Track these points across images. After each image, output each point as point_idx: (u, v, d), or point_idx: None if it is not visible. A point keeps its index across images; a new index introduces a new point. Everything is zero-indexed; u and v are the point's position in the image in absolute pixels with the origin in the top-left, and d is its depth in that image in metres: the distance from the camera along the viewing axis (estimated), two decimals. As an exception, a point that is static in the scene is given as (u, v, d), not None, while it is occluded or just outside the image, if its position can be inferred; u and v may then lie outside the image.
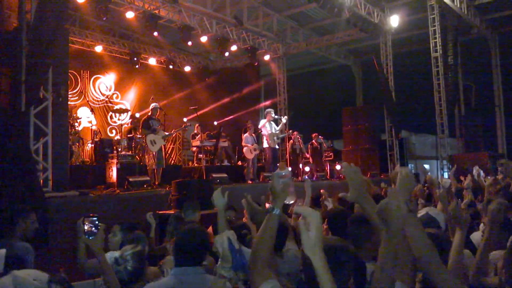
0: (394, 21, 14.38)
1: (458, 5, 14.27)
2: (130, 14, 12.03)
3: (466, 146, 17.01)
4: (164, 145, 10.43)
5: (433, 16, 14.68)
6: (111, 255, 2.69)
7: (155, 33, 12.45)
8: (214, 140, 12.56)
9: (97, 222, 2.66)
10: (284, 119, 11.93)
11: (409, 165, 16.58)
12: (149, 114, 10.01)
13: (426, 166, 16.99)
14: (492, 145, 17.35)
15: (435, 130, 15.01)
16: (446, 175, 13.80)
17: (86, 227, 2.63)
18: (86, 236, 2.62)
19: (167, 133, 10.17)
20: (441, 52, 14.81)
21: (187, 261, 2.65)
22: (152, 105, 10.16)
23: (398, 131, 15.00)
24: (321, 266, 1.52)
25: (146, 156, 9.96)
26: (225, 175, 10.26)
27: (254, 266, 1.87)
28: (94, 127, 12.49)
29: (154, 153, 9.52)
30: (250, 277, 1.92)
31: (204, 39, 14.05)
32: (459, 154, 16.07)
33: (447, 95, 14.79)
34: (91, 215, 2.70)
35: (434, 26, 14.73)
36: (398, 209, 1.69)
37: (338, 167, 13.58)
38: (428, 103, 15.28)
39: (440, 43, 14.77)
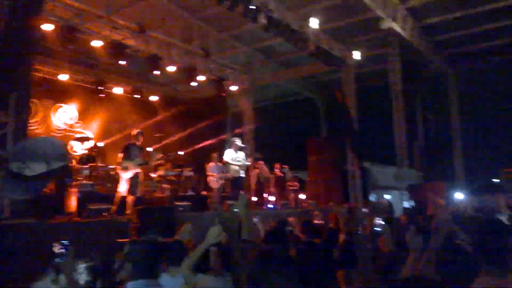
0: (356, 55, 14.93)
1: (418, 41, 14.98)
2: (97, 43, 12.05)
3: (425, 176, 17.52)
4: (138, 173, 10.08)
5: (393, 51, 15.34)
6: None
7: (123, 62, 12.48)
8: (178, 169, 12.51)
9: (67, 246, 2.72)
10: (247, 161, 12.04)
11: (371, 195, 16.87)
12: (132, 141, 9.81)
13: (388, 197, 17.35)
14: (451, 175, 17.93)
15: (396, 161, 15.43)
16: (406, 204, 14.14)
17: (56, 250, 2.69)
18: (58, 259, 2.68)
19: (142, 162, 9.95)
20: (401, 86, 15.41)
21: (140, 274, 2.64)
22: (135, 131, 10.00)
23: (360, 162, 15.32)
24: None
25: (118, 183, 9.67)
26: (189, 203, 10.20)
27: None
28: (55, 156, 12.22)
29: (126, 180, 9.32)
30: None
31: (171, 69, 14.18)
32: (418, 184, 16.52)
33: (406, 127, 15.32)
34: (63, 238, 2.79)
35: (395, 61, 15.37)
36: None
37: (302, 196, 13.74)
38: (389, 134, 15.76)
39: (400, 78, 15.39)
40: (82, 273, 2.74)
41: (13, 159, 2.81)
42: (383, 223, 4.63)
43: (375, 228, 4.24)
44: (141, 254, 2.69)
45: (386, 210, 6.26)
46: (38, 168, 2.70)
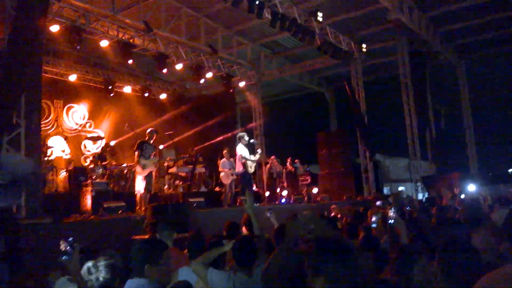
0: (363, 48, 14.82)
1: (425, 32, 14.85)
2: (104, 43, 12.10)
3: (438, 167, 17.37)
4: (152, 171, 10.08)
5: (401, 43, 15.20)
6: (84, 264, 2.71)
7: (130, 61, 12.51)
8: (191, 166, 12.52)
9: (72, 243, 2.68)
10: (258, 155, 11.93)
11: (384, 188, 16.81)
12: (146, 138, 9.76)
13: (401, 188, 17.27)
14: (464, 166, 17.78)
15: (408, 153, 15.32)
16: (420, 196, 14.04)
17: (62, 247, 2.65)
18: (63, 257, 2.64)
19: (159, 160, 9.95)
20: (410, 77, 15.28)
21: (133, 273, 2.69)
22: (149, 130, 9.97)
23: (372, 155, 15.27)
24: None
25: (135, 182, 9.69)
26: (202, 199, 10.21)
27: None
28: (67, 156, 12.34)
29: (143, 177, 9.32)
30: None
31: (179, 67, 14.20)
32: (431, 176, 16.38)
33: (417, 119, 15.20)
34: (68, 236, 2.74)
35: (403, 52, 15.23)
36: None
37: (315, 190, 13.72)
38: (400, 127, 15.66)
39: (409, 69, 15.26)
40: (101, 271, 2.71)
41: None
42: (397, 215, 4.61)
43: (389, 221, 4.25)
44: (138, 253, 2.71)
45: (408, 203, 6.27)
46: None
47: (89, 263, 2.69)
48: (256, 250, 3.50)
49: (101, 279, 2.65)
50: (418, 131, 15.17)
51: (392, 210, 4.57)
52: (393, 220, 4.41)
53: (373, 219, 5.38)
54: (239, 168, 11.50)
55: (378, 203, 8.36)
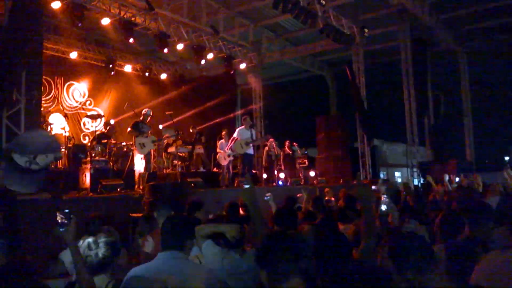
0: (366, 33, 14.75)
1: (428, 18, 14.76)
2: (105, 21, 12.05)
3: (435, 154, 17.46)
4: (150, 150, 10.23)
5: (403, 28, 15.13)
6: (84, 240, 2.76)
7: (131, 40, 12.47)
8: (190, 146, 12.59)
9: (69, 214, 2.70)
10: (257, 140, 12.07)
11: (381, 172, 16.91)
12: (141, 118, 9.89)
13: (397, 174, 17.40)
14: (461, 153, 17.87)
15: (406, 139, 15.39)
16: (415, 181, 14.17)
17: (58, 219, 2.68)
18: (59, 228, 2.67)
19: (157, 139, 10.11)
20: (411, 63, 15.25)
21: (168, 246, 2.87)
22: (145, 110, 10.07)
23: (370, 139, 15.33)
24: None
25: (134, 160, 9.84)
26: (200, 179, 10.30)
27: None
28: (67, 134, 12.36)
29: (143, 156, 9.41)
30: None
31: (180, 47, 14.14)
32: (428, 162, 16.49)
33: (417, 105, 15.23)
34: (64, 208, 2.78)
35: (405, 38, 15.17)
36: None
37: (312, 173, 13.82)
38: (399, 112, 15.69)
39: (410, 55, 15.22)
40: (101, 248, 2.76)
41: (18, 152, 2.82)
42: (390, 201, 4.69)
43: (381, 207, 4.33)
44: (179, 228, 2.94)
45: (396, 190, 6.44)
46: (40, 161, 2.72)
47: (90, 239, 2.73)
48: (244, 232, 3.58)
49: (100, 255, 2.69)
50: (416, 117, 15.22)
51: (385, 195, 4.66)
52: (385, 206, 4.50)
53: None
54: (235, 150, 11.61)
55: (373, 187, 8.47)
